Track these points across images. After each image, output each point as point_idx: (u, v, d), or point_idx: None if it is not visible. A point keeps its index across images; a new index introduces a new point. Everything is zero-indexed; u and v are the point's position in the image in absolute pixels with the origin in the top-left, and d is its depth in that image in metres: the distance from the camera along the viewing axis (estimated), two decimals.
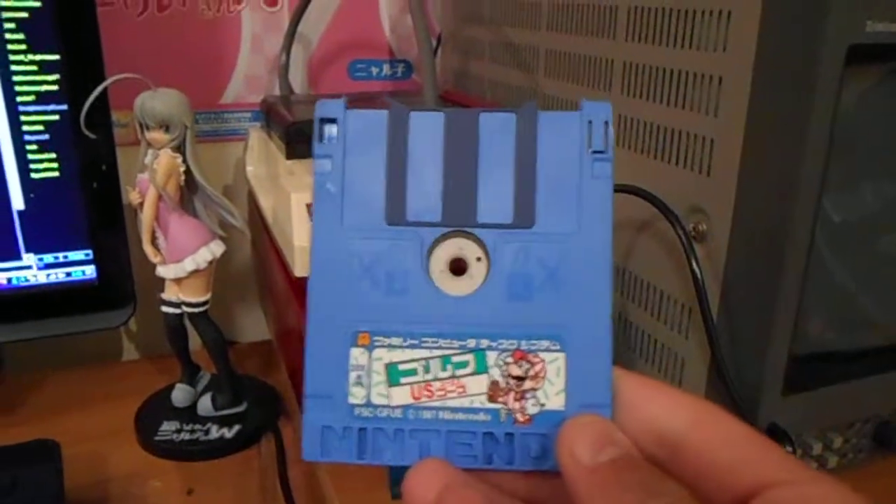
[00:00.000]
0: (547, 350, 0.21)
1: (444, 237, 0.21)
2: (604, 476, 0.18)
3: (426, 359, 0.21)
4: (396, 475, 0.44)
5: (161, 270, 0.54)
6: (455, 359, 0.21)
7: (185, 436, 0.56)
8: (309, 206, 0.45)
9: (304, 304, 0.21)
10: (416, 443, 0.21)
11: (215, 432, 0.56)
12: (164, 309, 0.56)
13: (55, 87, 0.50)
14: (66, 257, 0.54)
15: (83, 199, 0.53)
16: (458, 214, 0.21)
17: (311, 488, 0.51)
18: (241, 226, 0.54)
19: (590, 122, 0.21)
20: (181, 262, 0.53)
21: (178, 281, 0.54)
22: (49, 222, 0.53)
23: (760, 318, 0.38)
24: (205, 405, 0.58)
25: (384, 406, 0.21)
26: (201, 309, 0.55)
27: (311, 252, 0.21)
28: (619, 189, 0.43)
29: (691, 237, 0.40)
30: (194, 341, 0.58)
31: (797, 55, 0.34)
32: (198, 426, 0.57)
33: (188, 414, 0.58)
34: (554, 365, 0.21)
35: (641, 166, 0.44)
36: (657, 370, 0.45)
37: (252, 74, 0.70)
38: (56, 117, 0.51)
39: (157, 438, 0.55)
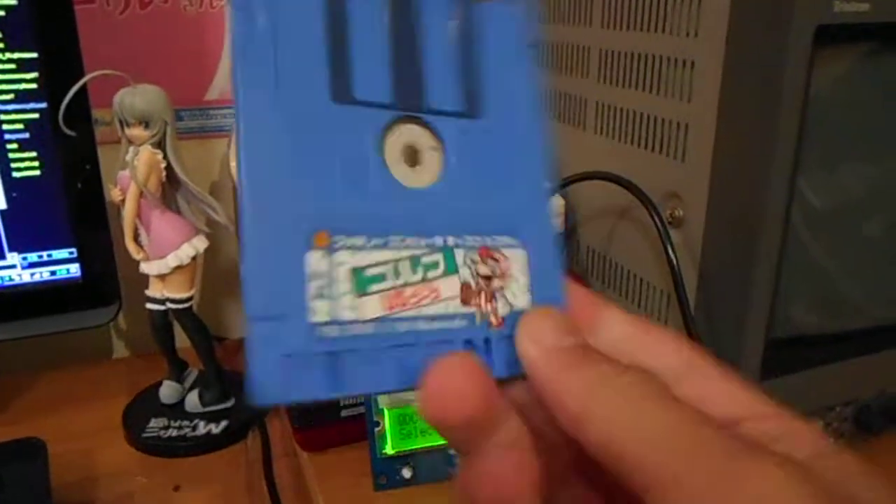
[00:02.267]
0: (508, 246, 0.19)
1: (397, 122, 0.18)
2: (568, 357, 0.17)
3: (395, 261, 0.17)
4: (379, 467, 0.44)
5: (144, 267, 0.54)
6: (425, 259, 0.18)
7: (173, 432, 0.56)
8: None
9: None
10: (393, 363, 0.17)
11: (202, 428, 0.56)
12: (150, 306, 0.56)
13: (34, 86, 0.50)
14: (49, 256, 0.54)
15: (66, 198, 0.53)
16: (410, 98, 0.19)
17: (297, 483, 0.51)
18: (223, 220, 0.54)
19: (524, 15, 0.20)
20: (164, 258, 0.53)
21: (161, 277, 0.54)
22: (32, 221, 0.53)
23: (737, 303, 0.38)
24: (192, 401, 0.58)
25: (354, 322, 0.17)
26: (186, 305, 0.55)
27: (237, 132, 0.17)
28: (596, 176, 0.43)
29: (668, 223, 0.40)
30: (181, 338, 0.58)
31: (766, 37, 0.34)
32: (185, 422, 0.57)
33: (176, 410, 0.58)
34: (518, 262, 0.19)
35: (618, 153, 0.44)
36: None
37: None
38: (36, 115, 0.51)
39: (144, 435, 0.55)
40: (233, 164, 0.62)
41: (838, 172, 0.42)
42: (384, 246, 0.17)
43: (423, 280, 0.18)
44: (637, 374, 0.17)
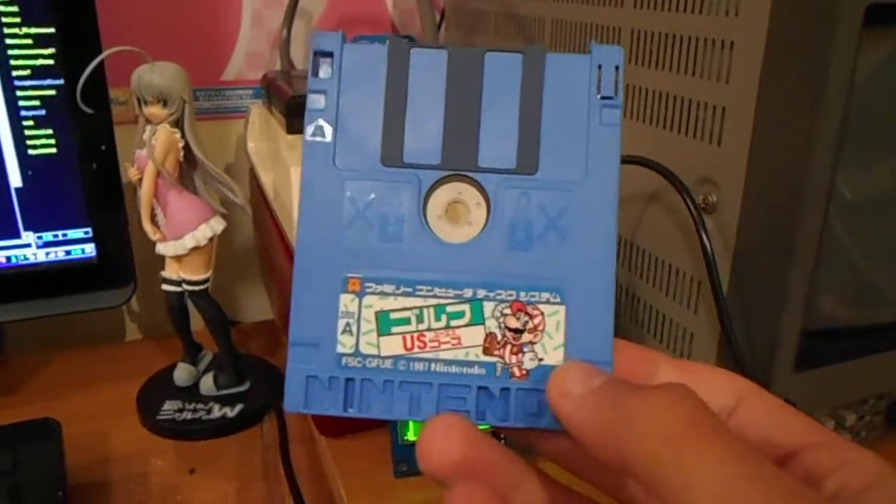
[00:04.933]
0: (547, 302, 0.20)
1: (443, 181, 0.20)
2: (598, 396, 0.17)
3: (420, 307, 0.20)
4: (400, 454, 0.43)
5: (161, 248, 0.53)
6: (450, 308, 0.20)
7: (188, 415, 0.55)
8: None
9: None
10: (406, 395, 0.20)
11: (217, 411, 0.55)
12: (165, 287, 0.55)
13: (51, 62, 0.50)
14: (65, 235, 0.53)
15: (82, 177, 0.52)
16: (459, 158, 0.20)
17: (314, 468, 0.51)
18: (241, 202, 0.54)
19: (599, 66, 0.20)
20: (181, 238, 0.52)
21: (178, 258, 0.54)
22: (47, 200, 0.52)
23: (772, 292, 0.37)
24: (207, 384, 0.57)
25: (373, 356, 0.20)
26: (202, 287, 0.55)
27: (300, 193, 0.20)
28: (627, 160, 0.41)
29: (701, 209, 0.39)
30: (197, 320, 0.57)
31: (813, 17, 0.32)
32: (200, 405, 0.56)
33: (190, 393, 0.57)
34: (554, 318, 0.20)
35: (650, 137, 0.43)
36: (665, 345, 0.44)
37: (253, 50, 0.68)
38: (52, 92, 0.50)
39: (159, 418, 0.55)
40: (251, 144, 0.62)
41: (871, 166, 0.41)
42: (412, 294, 0.20)
43: (446, 327, 0.20)
44: (666, 394, 0.16)
